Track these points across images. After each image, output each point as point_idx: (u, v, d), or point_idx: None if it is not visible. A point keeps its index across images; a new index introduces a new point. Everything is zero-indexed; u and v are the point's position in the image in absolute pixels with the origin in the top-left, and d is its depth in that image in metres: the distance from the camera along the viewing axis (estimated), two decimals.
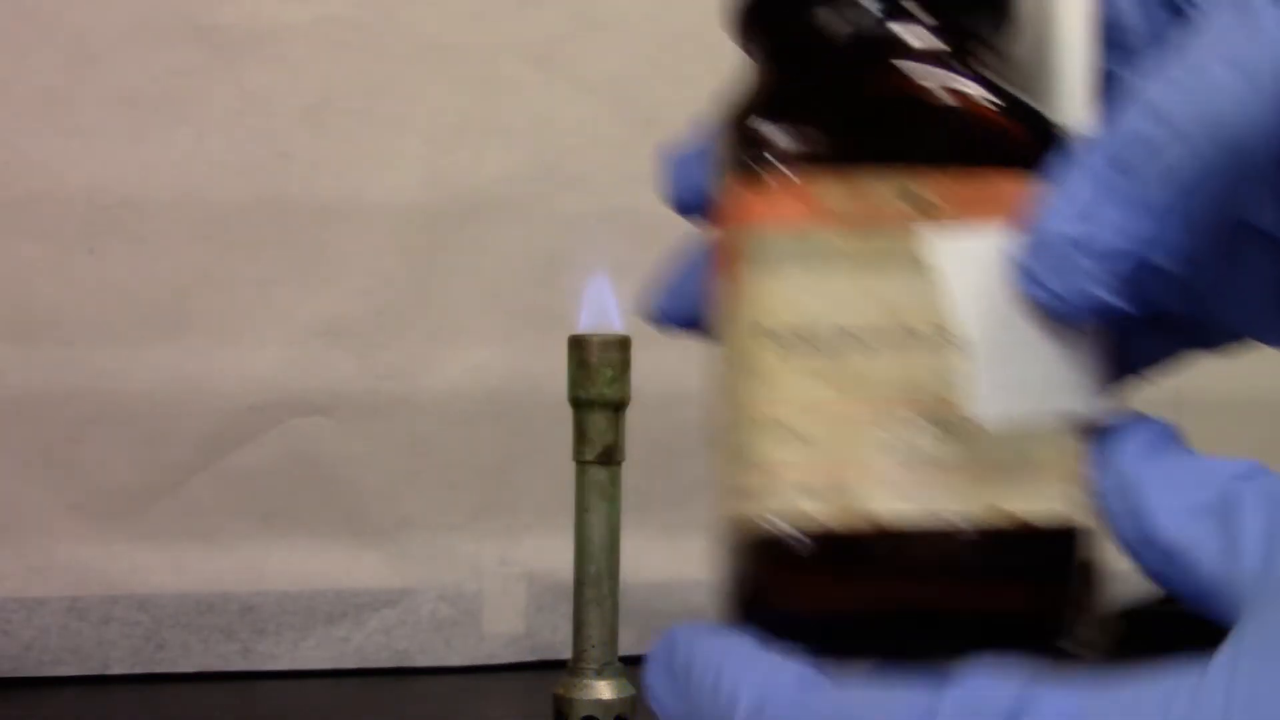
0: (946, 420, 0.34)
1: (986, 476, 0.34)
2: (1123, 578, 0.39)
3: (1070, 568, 0.35)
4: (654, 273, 0.42)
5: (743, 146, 0.35)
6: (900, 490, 0.33)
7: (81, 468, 0.84)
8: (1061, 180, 0.33)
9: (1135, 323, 0.34)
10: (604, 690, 0.63)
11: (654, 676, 0.35)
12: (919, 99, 0.35)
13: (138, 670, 0.85)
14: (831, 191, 0.34)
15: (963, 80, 0.35)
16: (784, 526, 0.33)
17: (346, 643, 0.88)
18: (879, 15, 0.36)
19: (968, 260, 0.34)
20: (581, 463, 0.63)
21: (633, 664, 0.66)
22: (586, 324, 0.64)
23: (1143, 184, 0.32)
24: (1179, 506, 0.33)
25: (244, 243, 0.86)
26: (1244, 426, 1.04)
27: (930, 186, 0.34)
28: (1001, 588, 0.34)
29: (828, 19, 0.36)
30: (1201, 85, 0.32)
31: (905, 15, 0.36)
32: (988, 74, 0.36)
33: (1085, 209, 0.33)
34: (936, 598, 0.34)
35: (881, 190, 0.34)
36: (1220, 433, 1.09)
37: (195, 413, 0.86)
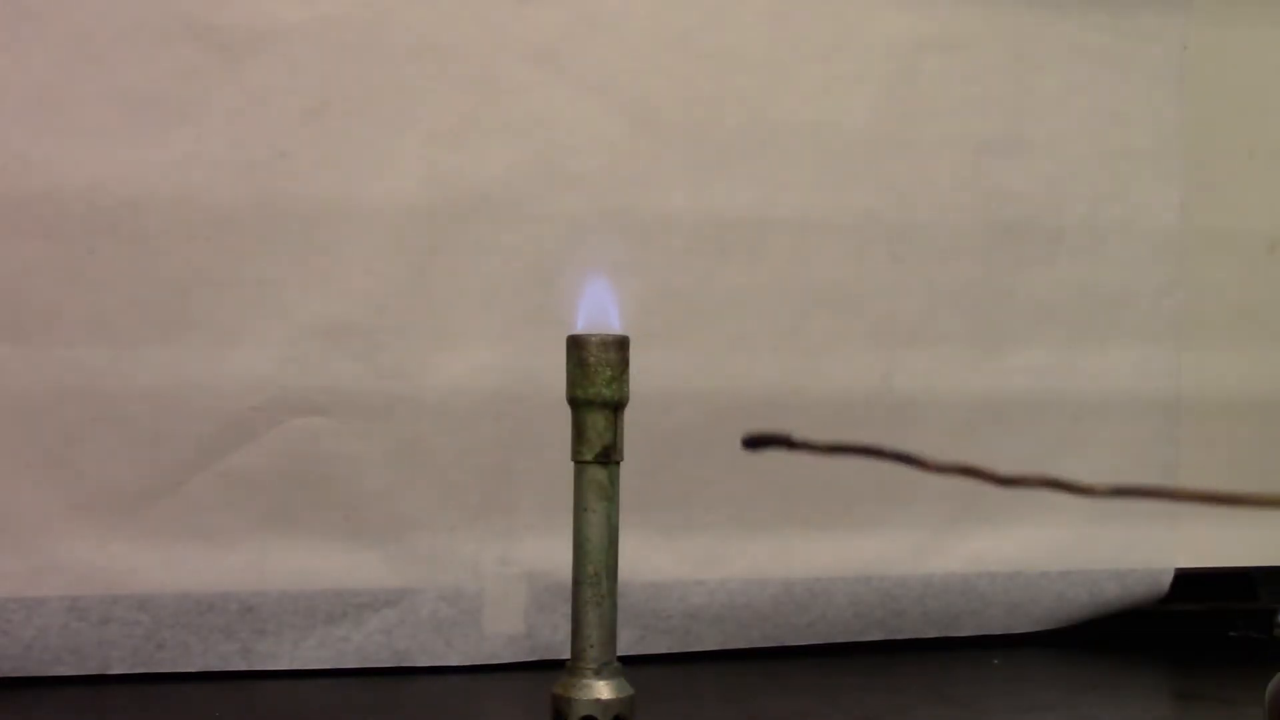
0: None
1: None
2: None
3: None
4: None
5: None
6: None
7: (81, 468, 0.84)
8: None
9: None
10: (603, 690, 0.63)
11: None
12: None
13: (138, 670, 0.85)
14: None
15: None
16: None
17: (346, 643, 0.88)
18: None
19: None
20: (580, 462, 0.63)
21: (632, 664, 0.66)
22: (585, 324, 0.64)
23: None
24: None
25: (244, 243, 0.86)
26: (1244, 426, 1.04)
27: None
28: None
29: None
30: None
31: None
32: None
33: None
34: None
35: None
36: (1220, 433, 1.09)
37: (195, 413, 0.86)
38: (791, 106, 0.95)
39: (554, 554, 0.87)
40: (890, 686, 0.89)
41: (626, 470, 0.64)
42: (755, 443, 0.62)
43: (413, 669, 0.89)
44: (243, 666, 0.87)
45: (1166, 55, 1.02)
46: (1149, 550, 1.02)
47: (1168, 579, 1.02)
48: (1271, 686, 0.66)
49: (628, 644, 0.88)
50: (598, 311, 0.65)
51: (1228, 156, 1.05)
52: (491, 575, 0.90)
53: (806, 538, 0.96)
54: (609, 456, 0.63)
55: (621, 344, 0.63)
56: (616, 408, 0.63)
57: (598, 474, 0.63)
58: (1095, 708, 0.85)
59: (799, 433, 1.01)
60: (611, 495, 0.63)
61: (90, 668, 0.84)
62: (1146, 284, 1.02)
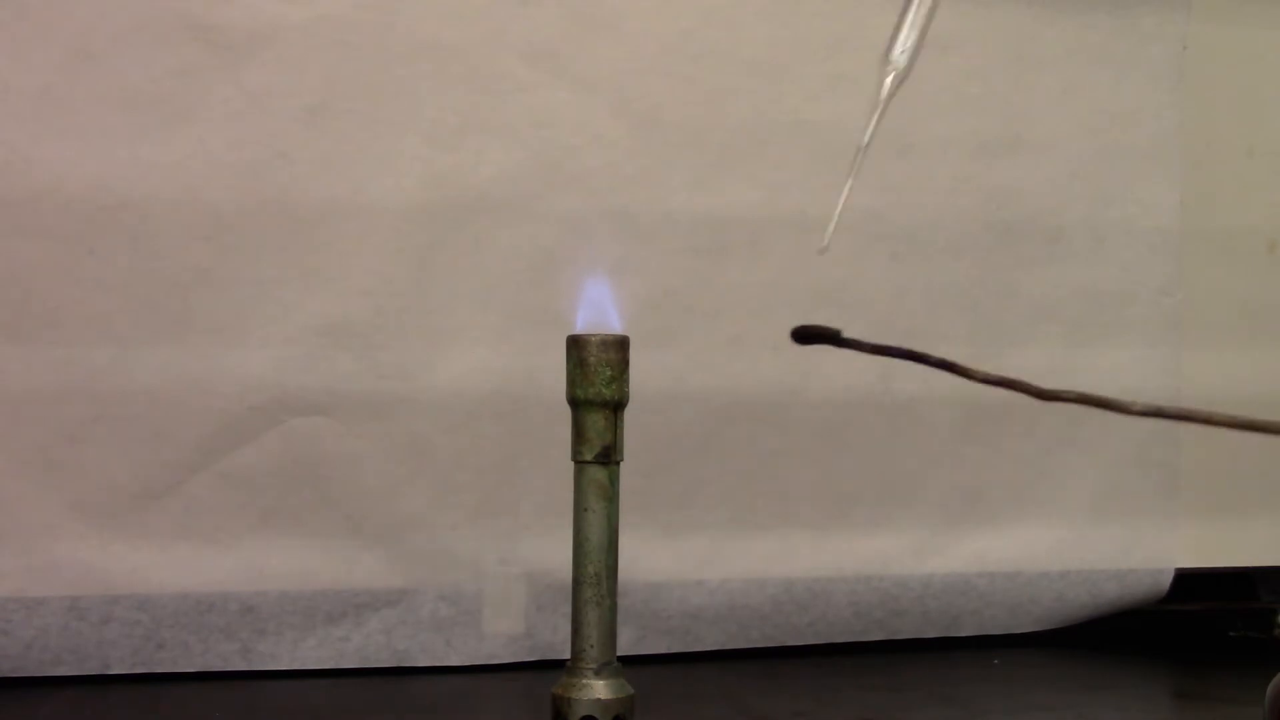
0: None
1: None
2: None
3: None
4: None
5: None
6: None
7: (81, 468, 0.84)
8: None
9: None
10: (602, 690, 0.63)
11: None
12: None
13: (138, 670, 0.85)
14: None
15: None
16: None
17: (346, 643, 0.88)
18: None
19: None
20: (580, 462, 0.63)
21: (632, 664, 0.66)
22: (585, 324, 0.65)
23: None
24: None
25: (244, 243, 0.86)
26: None
27: None
28: None
29: None
30: None
31: None
32: None
33: None
34: None
35: None
36: (1220, 433, 1.09)
37: (195, 413, 0.86)
38: (791, 106, 0.95)
39: (554, 554, 0.87)
40: (890, 686, 0.89)
41: (626, 470, 0.64)
42: (803, 337, 0.62)
43: (413, 669, 0.89)
44: (243, 666, 0.87)
45: (1166, 55, 1.02)
46: (1149, 550, 1.02)
47: (1168, 579, 1.02)
48: (1271, 687, 0.66)
49: (628, 644, 0.88)
50: (597, 313, 0.65)
51: (1227, 156, 1.05)
52: (491, 575, 0.90)
53: (806, 538, 0.96)
54: (609, 456, 0.63)
55: (621, 344, 0.63)
56: (616, 408, 0.63)
57: (598, 474, 0.63)
58: (1095, 708, 0.85)
59: (797, 438, 1.00)
60: (611, 495, 0.63)
61: (90, 668, 0.84)
62: (1146, 284, 1.02)
